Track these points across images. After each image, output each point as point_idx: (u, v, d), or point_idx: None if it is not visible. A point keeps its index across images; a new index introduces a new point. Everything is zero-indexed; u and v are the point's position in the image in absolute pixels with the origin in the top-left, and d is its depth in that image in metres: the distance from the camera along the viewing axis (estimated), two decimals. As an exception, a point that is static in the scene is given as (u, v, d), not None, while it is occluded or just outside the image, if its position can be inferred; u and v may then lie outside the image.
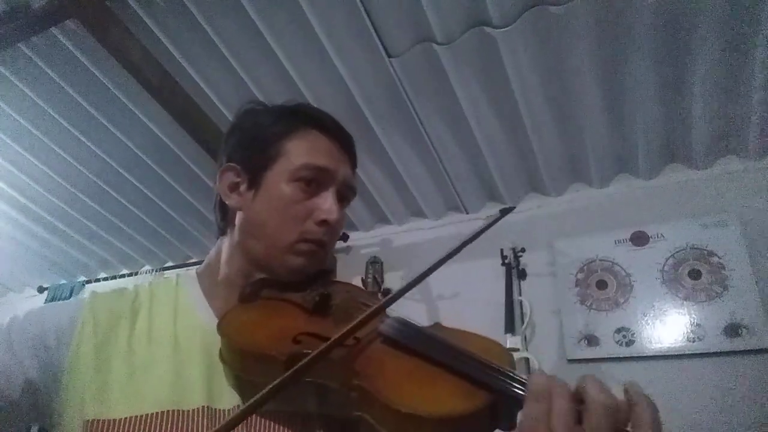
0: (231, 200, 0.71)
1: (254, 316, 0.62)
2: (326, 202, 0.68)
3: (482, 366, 0.50)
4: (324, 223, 0.68)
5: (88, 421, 0.56)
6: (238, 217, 0.71)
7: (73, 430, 0.57)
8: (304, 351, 0.50)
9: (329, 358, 0.50)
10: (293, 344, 0.54)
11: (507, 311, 2.01)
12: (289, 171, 0.68)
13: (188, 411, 0.58)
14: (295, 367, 0.45)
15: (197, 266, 0.77)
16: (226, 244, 0.73)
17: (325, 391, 0.52)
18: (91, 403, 0.58)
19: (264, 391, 0.43)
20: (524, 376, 0.48)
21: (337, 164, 0.71)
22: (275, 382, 0.44)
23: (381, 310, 0.55)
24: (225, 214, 0.74)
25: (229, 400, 0.60)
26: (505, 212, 0.73)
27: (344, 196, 0.73)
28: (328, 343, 0.48)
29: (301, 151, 0.69)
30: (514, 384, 0.48)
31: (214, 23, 1.68)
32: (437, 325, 0.64)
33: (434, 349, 0.53)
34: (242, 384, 0.56)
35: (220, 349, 0.58)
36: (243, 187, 0.71)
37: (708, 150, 1.88)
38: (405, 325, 0.58)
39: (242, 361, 0.55)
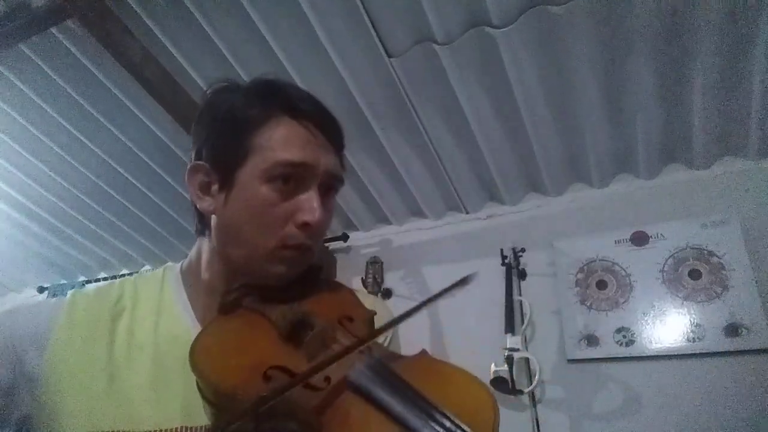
0: (203, 203, 0.65)
1: (225, 343, 0.57)
2: (307, 202, 0.61)
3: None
4: (306, 226, 0.61)
5: None
6: (213, 220, 0.65)
7: None
8: (270, 395, 0.47)
9: (294, 401, 0.47)
10: (263, 382, 0.50)
11: (507, 311, 2.01)
12: (263, 170, 0.60)
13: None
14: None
15: (182, 261, 0.72)
16: (205, 246, 0.68)
17: None
18: (73, 417, 0.55)
19: None
20: None
21: (316, 155, 0.62)
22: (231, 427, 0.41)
23: (343, 356, 0.50)
24: (202, 216, 0.67)
25: (204, 417, 0.56)
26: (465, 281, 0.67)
27: (330, 187, 0.66)
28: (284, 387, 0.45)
29: (274, 145, 0.61)
30: None
31: (214, 23, 1.68)
32: (422, 359, 0.56)
33: (406, 408, 0.47)
34: (215, 417, 0.54)
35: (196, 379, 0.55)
36: (214, 188, 0.64)
37: (708, 150, 1.88)
38: (376, 374, 0.51)
39: (214, 398, 0.52)
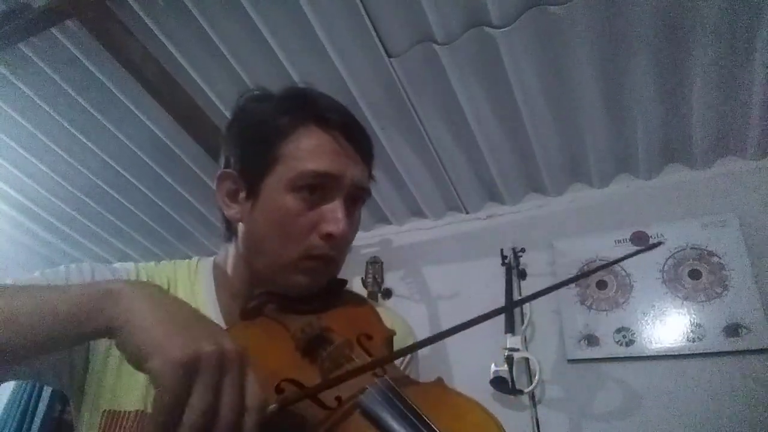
0: (231, 211, 0.66)
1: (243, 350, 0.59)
2: (332, 213, 0.61)
3: None
4: (330, 237, 0.61)
5: (106, 411, 0.57)
6: (240, 228, 0.66)
7: (93, 417, 0.57)
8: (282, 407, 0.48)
9: (302, 417, 0.47)
10: (274, 394, 0.50)
11: (507, 311, 2.01)
12: (289, 179, 0.61)
13: None
14: None
15: (215, 256, 0.74)
16: (231, 252, 0.70)
17: None
18: (108, 394, 0.58)
19: None
20: None
21: (343, 166, 0.62)
22: None
23: (357, 375, 0.49)
24: (229, 223, 0.69)
25: None
26: (651, 247, 0.62)
27: (356, 198, 0.66)
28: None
29: (300, 154, 0.61)
30: None
31: (214, 23, 1.68)
32: (436, 388, 0.55)
33: None
34: None
35: None
36: (241, 196, 0.65)
37: (708, 150, 1.88)
38: (387, 399, 0.50)
39: None
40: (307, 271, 0.62)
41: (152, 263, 0.71)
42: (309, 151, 0.62)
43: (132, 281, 0.48)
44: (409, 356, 0.72)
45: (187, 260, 0.73)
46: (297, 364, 0.56)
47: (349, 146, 0.64)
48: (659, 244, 0.64)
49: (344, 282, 0.69)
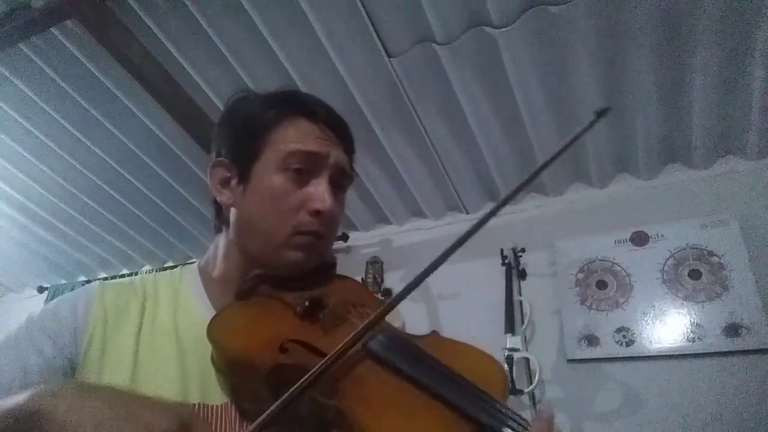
0: (223, 197, 0.69)
1: (243, 319, 0.60)
2: (318, 192, 0.65)
3: (470, 395, 0.47)
4: (317, 213, 0.64)
5: None
6: (232, 214, 0.69)
7: None
8: (287, 362, 0.50)
9: (310, 369, 0.48)
10: (279, 353, 0.52)
11: (507, 311, 2.01)
12: (277, 160, 0.65)
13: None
14: (285, 397, 0.45)
15: (200, 260, 0.76)
16: (222, 241, 0.72)
17: (299, 407, 0.49)
18: None
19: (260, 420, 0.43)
20: (513, 411, 0.47)
21: (327, 148, 0.67)
22: (268, 412, 0.43)
23: (372, 326, 0.52)
24: (220, 211, 0.72)
25: (220, 396, 0.59)
26: (600, 114, 0.67)
27: (339, 182, 0.70)
28: (312, 372, 0.47)
29: (288, 138, 0.66)
30: (500, 419, 0.46)
31: (214, 23, 1.68)
32: (433, 336, 0.60)
33: (421, 372, 0.50)
34: (230, 388, 0.56)
35: (211, 352, 0.57)
36: (233, 182, 0.68)
37: (708, 150, 1.88)
38: (394, 343, 0.53)
39: (229, 366, 0.54)
40: (298, 246, 0.65)
41: (126, 279, 0.72)
42: (296, 134, 0.67)
43: (55, 391, 0.44)
44: (400, 327, 0.75)
45: (171, 269, 0.75)
46: (298, 326, 0.58)
47: (333, 136, 0.69)
48: (607, 110, 0.68)
49: (334, 264, 0.72)
